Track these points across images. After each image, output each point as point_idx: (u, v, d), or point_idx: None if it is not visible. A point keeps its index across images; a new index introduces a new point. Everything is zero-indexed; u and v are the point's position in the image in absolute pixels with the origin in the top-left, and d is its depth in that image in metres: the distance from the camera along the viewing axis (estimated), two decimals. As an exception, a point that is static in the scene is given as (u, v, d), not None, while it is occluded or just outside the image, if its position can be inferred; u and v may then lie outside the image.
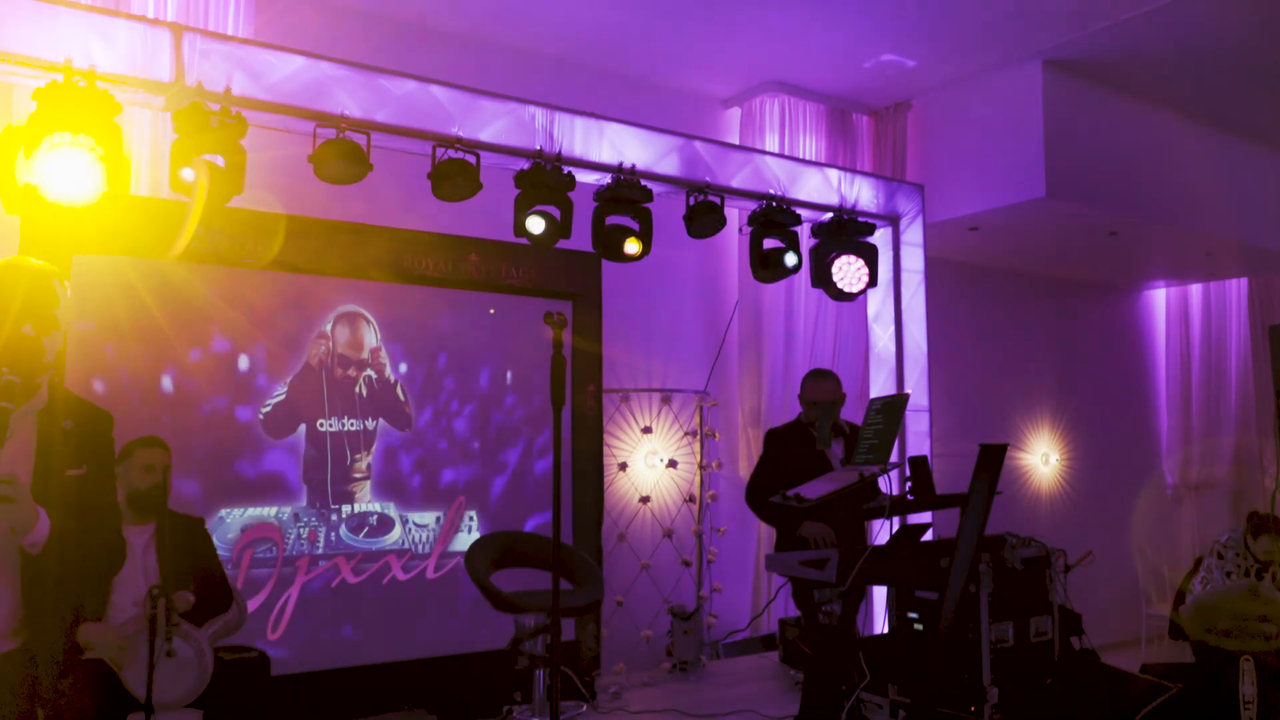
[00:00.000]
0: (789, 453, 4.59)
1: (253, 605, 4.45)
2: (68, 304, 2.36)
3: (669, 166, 5.14)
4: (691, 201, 5.18)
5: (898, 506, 3.61)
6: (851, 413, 5.08)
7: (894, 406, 3.71)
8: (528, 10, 5.40)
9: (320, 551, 4.72)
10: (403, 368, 5.00)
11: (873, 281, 5.63)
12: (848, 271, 5.58)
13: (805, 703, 4.09)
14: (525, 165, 4.68)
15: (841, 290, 5.60)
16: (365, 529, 4.83)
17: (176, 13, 4.56)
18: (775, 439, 4.76)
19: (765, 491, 4.28)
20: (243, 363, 4.61)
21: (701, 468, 6.13)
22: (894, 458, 4.57)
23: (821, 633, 4.11)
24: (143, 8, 4.48)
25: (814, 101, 6.63)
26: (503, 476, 5.24)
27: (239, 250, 4.57)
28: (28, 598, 2.23)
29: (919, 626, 3.47)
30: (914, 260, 6.04)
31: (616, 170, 4.93)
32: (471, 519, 5.12)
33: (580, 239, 4.92)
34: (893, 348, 6.00)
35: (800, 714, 4.10)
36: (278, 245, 4.65)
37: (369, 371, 4.91)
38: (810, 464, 4.23)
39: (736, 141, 6.43)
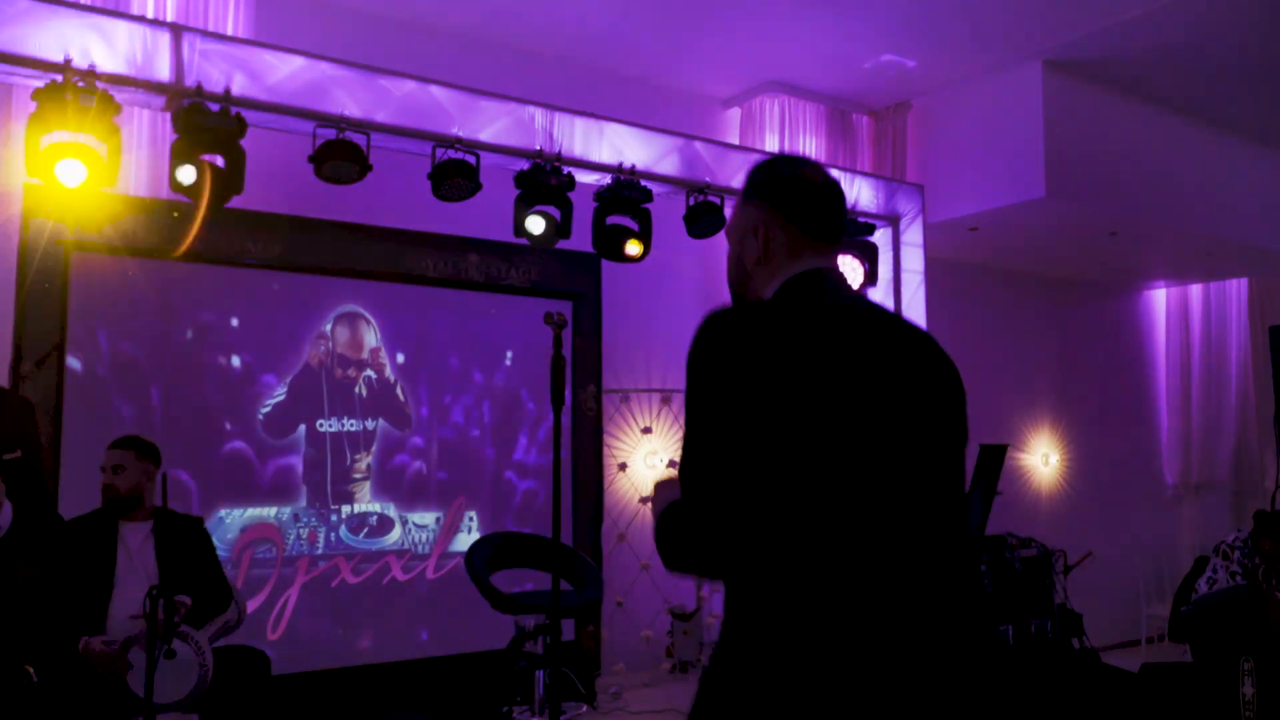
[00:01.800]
0: None
1: (253, 605, 4.45)
2: None
3: (669, 167, 5.14)
4: (691, 201, 5.18)
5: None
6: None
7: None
8: (528, 10, 5.39)
9: (320, 552, 4.71)
10: (402, 366, 4.99)
11: (872, 280, 5.63)
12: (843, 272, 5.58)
13: None
14: (525, 165, 4.68)
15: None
16: (365, 529, 4.83)
17: (176, 13, 4.56)
18: None
19: None
20: (242, 363, 4.61)
21: (701, 468, 6.12)
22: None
23: None
24: (142, 8, 4.48)
25: (814, 102, 6.63)
26: (503, 477, 5.24)
27: (238, 250, 4.57)
28: None
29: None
30: (914, 260, 6.04)
31: (616, 170, 4.93)
32: (471, 519, 5.12)
33: (580, 239, 4.92)
34: (893, 348, 6.00)
35: None
36: (278, 245, 4.66)
37: (369, 372, 4.91)
38: None
39: (736, 142, 6.43)
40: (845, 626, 1.42)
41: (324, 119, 4.19)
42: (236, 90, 4.01)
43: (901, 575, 1.46)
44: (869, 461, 1.47)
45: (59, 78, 3.62)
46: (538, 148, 4.72)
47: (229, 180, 3.97)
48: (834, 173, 5.98)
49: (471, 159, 4.46)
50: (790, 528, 1.43)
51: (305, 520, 4.69)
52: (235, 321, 4.60)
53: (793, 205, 1.65)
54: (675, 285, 6.30)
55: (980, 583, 1.59)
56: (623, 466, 5.89)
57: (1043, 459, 7.95)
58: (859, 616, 1.43)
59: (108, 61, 3.76)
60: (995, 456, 3.12)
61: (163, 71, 3.89)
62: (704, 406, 1.47)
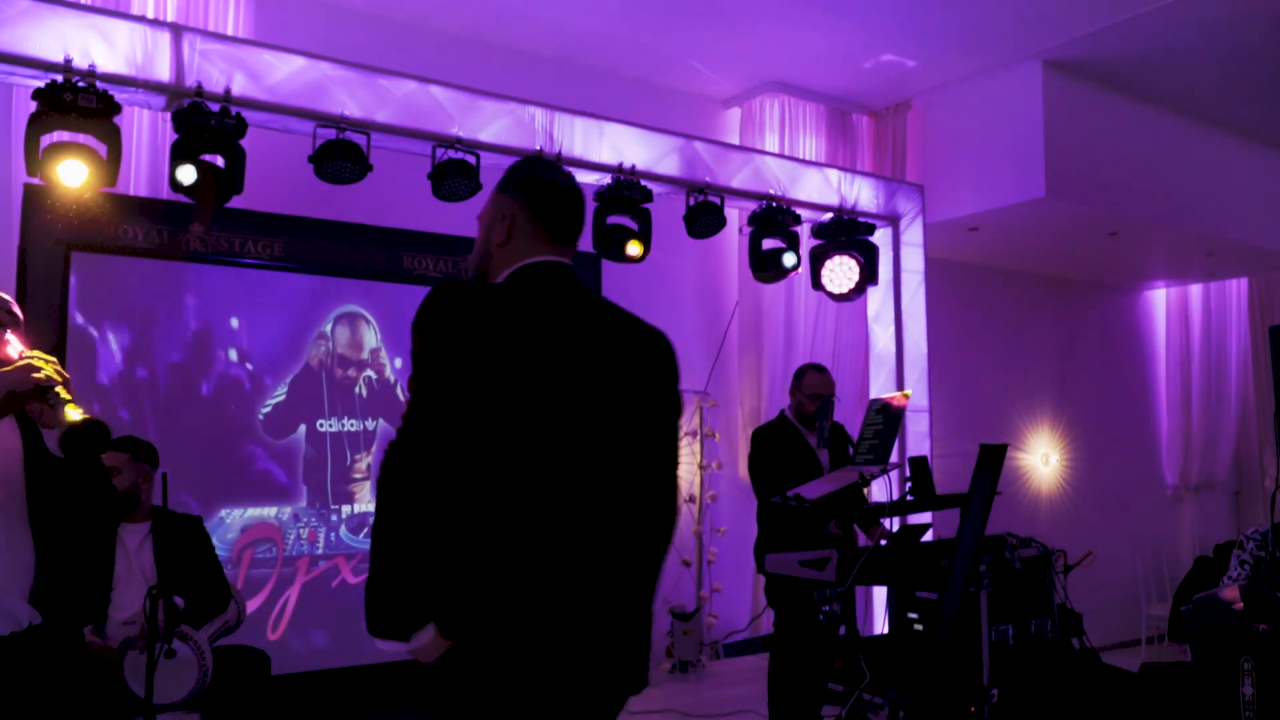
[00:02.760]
0: (783, 453, 4.42)
1: (252, 605, 4.45)
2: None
3: (669, 167, 5.14)
4: (691, 202, 5.17)
5: (898, 507, 3.61)
6: (851, 413, 5.07)
7: (893, 407, 3.71)
8: (528, 10, 5.40)
9: (320, 552, 4.72)
10: (402, 366, 4.99)
11: (870, 279, 5.63)
12: (838, 273, 5.58)
13: (773, 700, 4.09)
14: (525, 165, 4.67)
15: (829, 291, 5.61)
16: (365, 529, 4.83)
17: (176, 13, 4.56)
18: (768, 438, 4.43)
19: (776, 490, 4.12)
20: (242, 362, 4.61)
21: (701, 468, 6.12)
22: (894, 458, 4.56)
23: (782, 631, 4.13)
24: (143, 8, 4.48)
25: (814, 101, 6.63)
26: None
27: (238, 250, 4.58)
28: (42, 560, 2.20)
29: (919, 626, 3.47)
30: (914, 260, 6.03)
31: (616, 170, 4.93)
32: (471, 519, 5.12)
33: (580, 239, 4.91)
34: (893, 348, 6.00)
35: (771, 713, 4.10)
36: (278, 245, 4.66)
37: (369, 372, 4.91)
38: (807, 465, 4.19)
39: (736, 142, 6.43)
40: (516, 582, 1.66)
41: (324, 119, 4.19)
42: (236, 90, 4.01)
43: (568, 541, 1.69)
44: (556, 438, 1.70)
45: (59, 78, 3.62)
46: (538, 148, 4.72)
47: (229, 180, 3.97)
48: (833, 173, 5.94)
49: (471, 159, 4.46)
50: (479, 487, 1.66)
51: (305, 520, 4.69)
52: (235, 322, 4.60)
53: (540, 203, 1.90)
54: (675, 285, 6.30)
55: (648, 554, 1.85)
56: (623, 466, 5.89)
57: (1043, 459, 7.95)
58: (527, 576, 1.66)
59: (108, 61, 3.76)
60: (995, 456, 3.12)
61: (163, 71, 3.89)
62: (429, 369, 1.69)
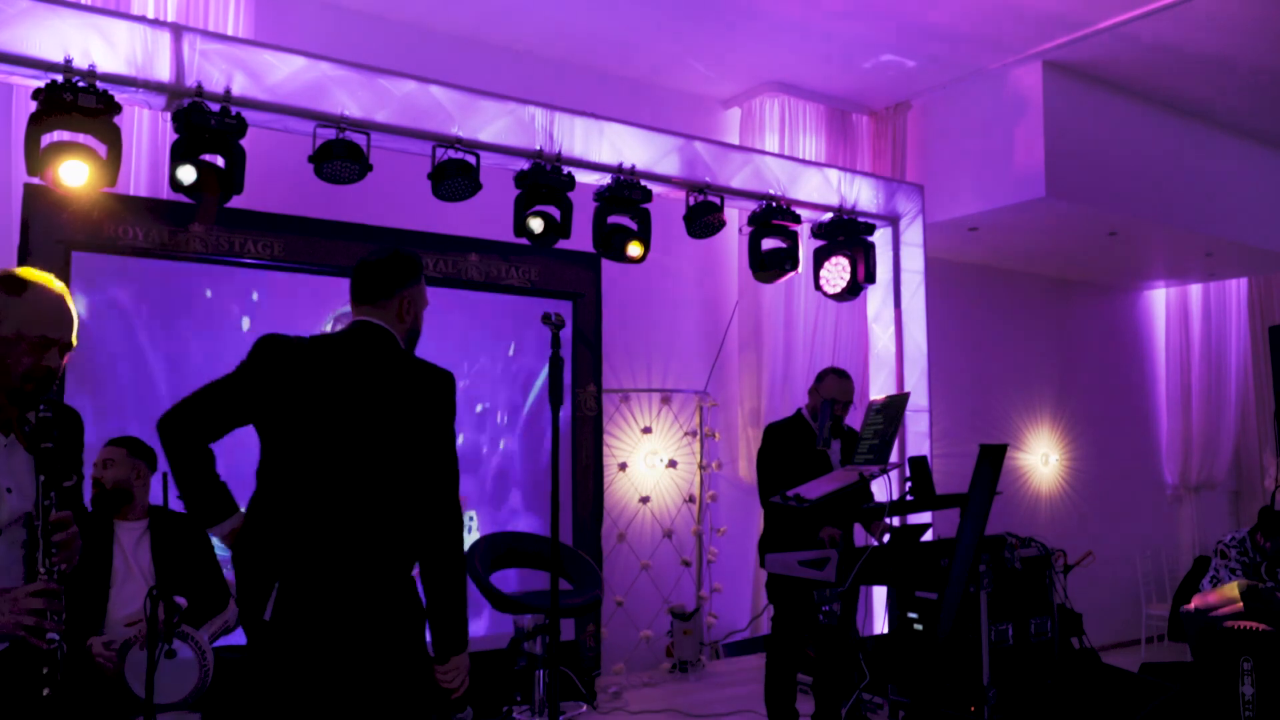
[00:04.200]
0: (791, 450, 4.45)
1: (253, 605, 4.44)
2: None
3: (669, 167, 5.14)
4: (691, 202, 5.18)
5: (898, 506, 3.61)
6: (851, 412, 5.05)
7: (893, 407, 3.71)
8: (528, 11, 5.40)
9: (320, 551, 4.71)
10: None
11: (868, 279, 5.63)
12: (833, 273, 5.59)
13: (770, 696, 4.10)
14: (525, 165, 4.68)
15: (825, 292, 5.61)
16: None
17: (176, 13, 4.56)
18: (778, 435, 4.47)
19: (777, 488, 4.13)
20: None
21: (701, 468, 6.13)
22: (894, 458, 4.56)
23: (779, 630, 4.13)
24: (143, 8, 4.48)
25: (814, 101, 6.63)
26: (502, 477, 5.24)
27: (238, 250, 4.58)
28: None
29: (919, 627, 3.47)
30: (914, 260, 6.04)
31: (616, 170, 4.93)
32: (471, 519, 5.13)
33: (580, 239, 4.92)
34: (893, 348, 6.00)
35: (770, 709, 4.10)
36: (278, 245, 4.66)
37: (369, 371, 4.90)
38: (812, 463, 4.20)
39: (736, 142, 6.43)
40: (282, 518, 2.44)
41: (324, 119, 4.19)
42: (236, 90, 4.01)
43: (319, 515, 2.40)
44: (306, 435, 2.46)
45: (59, 78, 3.62)
46: (538, 148, 4.72)
47: (229, 180, 3.97)
48: (833, 173, 5.91)
49: (471, 159, 4.46)
50: (264, 461, 2.57)
51: (305, 520, 4.68)
52: (233, 321, 4.60)
53: (352, 283, 2.69)
54: (675, 285, 6.31)
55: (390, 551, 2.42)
56: (623, 466, 5.90)
57: (1043, 459, 7.95)
58: (289, 522, 2.43)
59: (108, 61, 3.77)
60: (995, 456, 3.12)
61: (163, 71, 3.89)
62: (230, 377, 2.64)
